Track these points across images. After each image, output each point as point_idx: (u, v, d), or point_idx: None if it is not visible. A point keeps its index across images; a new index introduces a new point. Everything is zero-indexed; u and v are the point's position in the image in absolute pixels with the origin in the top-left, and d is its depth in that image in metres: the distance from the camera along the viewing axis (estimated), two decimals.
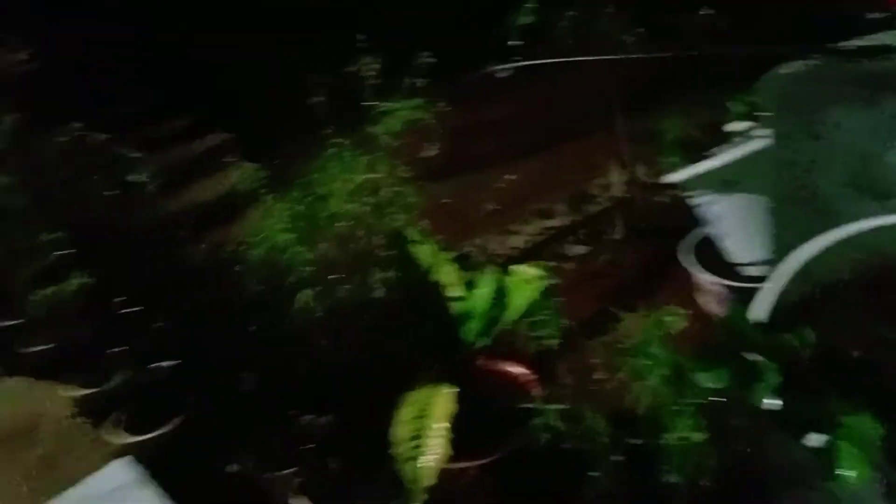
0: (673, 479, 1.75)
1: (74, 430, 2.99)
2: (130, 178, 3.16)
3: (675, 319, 1.85)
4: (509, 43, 2.93)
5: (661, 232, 3.20)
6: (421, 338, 2.38)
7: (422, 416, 2.02)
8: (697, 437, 1.66)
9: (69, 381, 2.93)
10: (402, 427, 2.00)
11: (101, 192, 2.70)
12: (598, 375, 2.19)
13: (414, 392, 2.10)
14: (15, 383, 3.42)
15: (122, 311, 2.63)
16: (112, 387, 2.67)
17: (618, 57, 2.84)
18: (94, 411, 2.81)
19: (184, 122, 5.13)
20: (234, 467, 2.61)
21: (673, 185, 2.80)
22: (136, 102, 4.85)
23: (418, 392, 2.10)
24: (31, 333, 3.11)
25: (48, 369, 3.15)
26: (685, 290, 2.79)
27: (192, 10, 5.11)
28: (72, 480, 2.41)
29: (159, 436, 2.52)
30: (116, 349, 2.70)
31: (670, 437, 1.73)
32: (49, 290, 2.42)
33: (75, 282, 2.41)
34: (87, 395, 2.82)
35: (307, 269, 2.66)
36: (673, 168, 2.71)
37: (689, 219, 2.85)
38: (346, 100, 2.62)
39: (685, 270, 2.85)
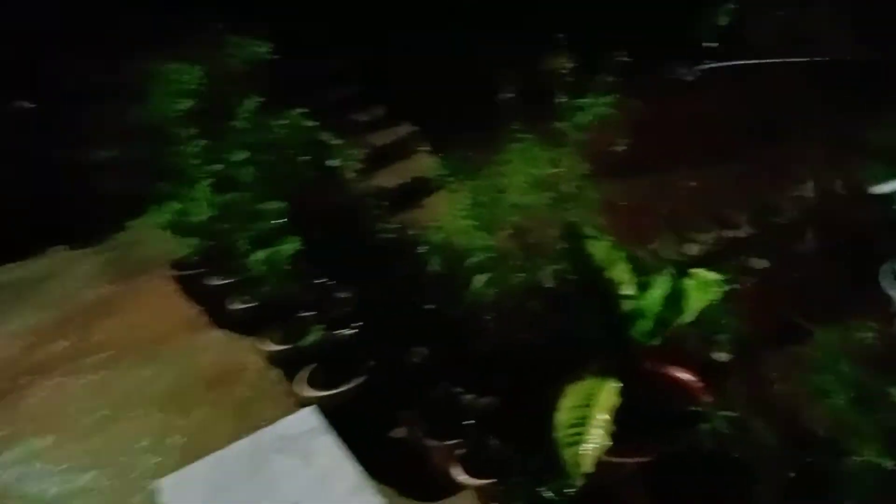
0: None
1: (268, 379, 3.32)
2: (329, 162, 3.43)
3: (868, 337, 1.70)
4: (704, 44, 2.82)
5: (857, 249, 2.92)
6: (589, 331, 2.38)
7: (585, 405, 2.03)
8: (887, 463, 1.52)
9: (267, 337, 3.25)
10: (565, 413, 2.03)
11: (311, 170, 2.97)
12: (774, 388, 2.07)
13: (579, 382, 2.11)
14: (221, 335, 3.86)
15: (319, 278, 2.87)
16: (304, 345, 2.92)
17: (823, 59, 2.63)
18: (287, 365, 3.10)
19: (379, 112, 5.46)
20: (402, 431, 2.77)
21: (878, 198, 2.55)
22: (342, 93, 5.24)
23: (583, 382, 2.11)
24: (240, 292, 3.50)
25: (250, 325, 3.51)
26: (879, 312, 2.54)
27: (392, 6, 5.38)
28: (265, 421, 2.68)
29: (341, 392, 2.73)
30: (310, 312, 2.95)
31: (853, 461, 1.60)
32: (264, 254, 2.69)
33: (288, 247, 2.66)
34: (282, 350, 3.11)
35: (484, 254, 2.74)
36: (880, 180, 2.46)
37: (892, 236, 2.59)
38: (535, 95, 2.66)
39: (881, 291, 2.59)
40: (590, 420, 1.97)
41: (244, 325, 3.54)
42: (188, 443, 3.10)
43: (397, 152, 4.88)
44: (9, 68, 5.31)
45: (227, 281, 3.54)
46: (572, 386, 2.10)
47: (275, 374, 3.24)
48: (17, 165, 5.51)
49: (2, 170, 5.51)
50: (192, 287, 3.99)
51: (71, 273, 4.97)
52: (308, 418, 2.20)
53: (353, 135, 4.40)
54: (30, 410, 3.52)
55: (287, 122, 2.91)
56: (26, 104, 5.47)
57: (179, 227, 3.29)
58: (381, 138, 5.00)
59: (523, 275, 2.68)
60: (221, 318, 3.72)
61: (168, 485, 2.13)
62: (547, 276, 2.64)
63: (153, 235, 5.00)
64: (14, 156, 5.49)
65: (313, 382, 2.86)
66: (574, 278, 2.51)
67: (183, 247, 3.96)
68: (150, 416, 3.35)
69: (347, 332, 2.87)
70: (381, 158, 4.62)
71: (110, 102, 3.90)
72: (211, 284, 3.71)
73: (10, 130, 5.59)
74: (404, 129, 5.22)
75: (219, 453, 2.21)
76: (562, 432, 1.97)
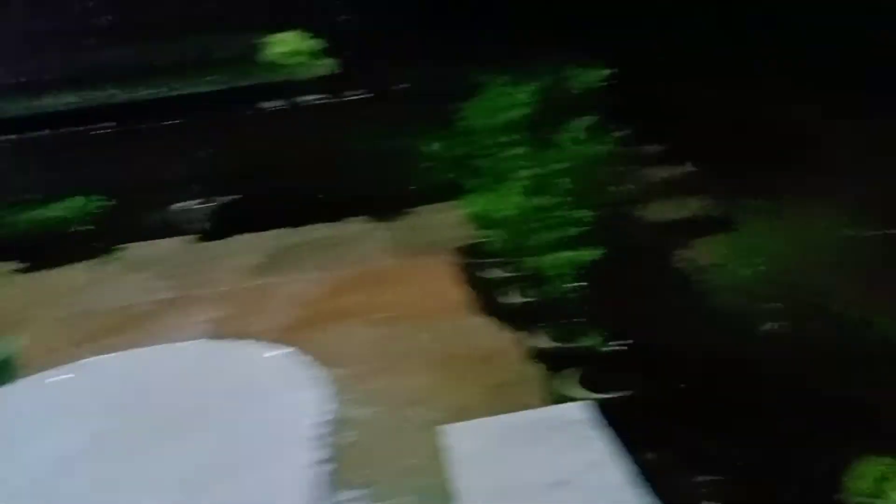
0: None
1: (529, 371, 3.50)
2: (624, 187, 3.54)
3: None
4: None
5: None
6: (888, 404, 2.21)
7: (885, 478, 1.90)
8: None
9: (537, 333, 3.43)
10: (861, 482, 1.91)
11: (612, 191, 3.11)
12: None
13: (883, 454, 1.98)
14: (490, 322, 4.13)
15: (600, 289, 2.99)
16: (574, 347, 3.05)
17: None
18: (551, 362, 3.25)
19: (664, 148, 5.45)
20: (654, 455, 2.78)
21: None
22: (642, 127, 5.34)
23: (889, 456, 1.97)
24: (518, 287, 3.75)
25: (520, 319, 3.74)
26: None
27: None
28: (516, 408, 2.84)
29: (603, 399, 2.81)
30: (584, 318, 3.08)
31: None
32: (562, 256, 2.88)
33: (587, 254, 2.82)
34: (550, 348, 3.27)
35: (773, 303, 2.66)
36: None
37: None
38: (854, 152, 2.53)
39: None
40: (887, 497, 1.84)
41: (514, 318, 3.77)
42: (452, 405, 3.38)
43: (678, 189, 4.84)
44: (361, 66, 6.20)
45: (507, 275, 3.81)
46: (872, 456, 1.97)
47: (537, 368, 3.41)
48: (341, 148, 6.45)
49: (327, 151, 6.49)
50: (471, 274, 4.35)
51: (369, 240, 5.67)
52: (585, 410, 2.32)
53: (642, 166, 4.46)
54: (327, 344, 4.09)
55: (604, 144, 3.08)
56: (362, 94, 6.36)
57: (481, 219, 3.61)
58: (664, 173, 4.99)
59: (816, 330, 2.55)
60: (493, 308, 3.99)
61: (451, 431, 2.39)
62: (843, 337, 2.49)
63: (442, 221, 5.52)
64: (340, 141, 6.42)
65: (576, 384, 2.98)
66: (876, 346, 2.34)
67: (471, 236, 4.33)
68: (420, 377, 3.69)
69: (619, 345, 2.95)
70: (662, 193, 4.62)
71: (439, 103, 4.37)
72: (490, 275, 4.02)
73: (338, 119, 6.54)
74: (686, 168, 5.17)
75: (498, 417, 2.43)
76: (857, 499, 1.87)
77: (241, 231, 6.20)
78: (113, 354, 2.23)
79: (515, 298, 3.75)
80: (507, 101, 3.46)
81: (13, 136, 6.41)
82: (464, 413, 3.03)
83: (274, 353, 2.13)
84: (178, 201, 6.44)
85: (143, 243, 6.30)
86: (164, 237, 6.32)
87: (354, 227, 6.06)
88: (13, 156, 6.39)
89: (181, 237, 6.37)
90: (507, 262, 3.73)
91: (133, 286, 5.39)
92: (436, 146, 3.87)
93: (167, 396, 1.90)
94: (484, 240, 3.97)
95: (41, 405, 1.95)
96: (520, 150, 3.33)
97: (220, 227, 6.31)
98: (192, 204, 6.45)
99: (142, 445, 1.71)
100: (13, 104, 6.56)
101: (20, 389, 2.09)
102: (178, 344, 2.65)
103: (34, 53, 6.86)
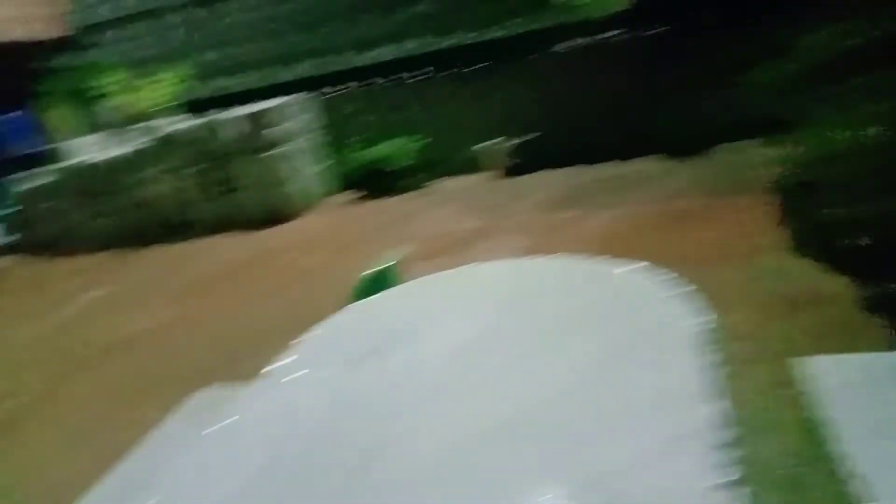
0: None
1: (864, 316, 3.20)
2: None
3: None
4: None
5: None
6: None
7: None
8: None
9: (884, 278, 3.13)
10: None
11: None
12: None
13: None
14: (815, 265, 3.78)
15: None
16: None
17: None
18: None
19: None
20: None
21: None
22: None
23: None
24: (858, 228, 3.45)
25: (855, 262, 3.44)
26: None
27: None
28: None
29: None
30: None
31: None
32: None
33: None
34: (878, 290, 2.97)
35: None
36: None
37: None
38: None
39: None
40: None
41: (850, 261, 3.48)
42: (781, 346, 3.24)
43: None
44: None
45: (842, 214, 3.52)
46: None
47: (879, 313, 3.13)
48: (636, 85, 6.35)
49: (623, 88, 6.43)
50: (795, 214, 4.08)
51: (668, 178, 5.57)
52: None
53: None
54: None
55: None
56: (659, 28, 6.16)
57: (808, 156, 3.36)
58: None
59: None
60: (822, 250, 3.71)
61: (810, 363, 2.33)
62: None
63: (747, 159, 5.20)
64: (636, 78, 6.32)
65: None
66: None
67: (790, 174, 4.04)
68: (743, 315, 3.51)
69: None
70: None
71: (747, 35, 4.07)
72: (820, 216, 3.75)
73: (633, 55, 6.42)
74: None
75: (864, 354, 2.33)
76: None
77: (539, 168, 6.50)
78: (484, 263, 2.52)
79: (854, 240, 3.46)
80: (852, 27, 3.11)
81: (352, 84, 7.42)
82: (795, 353, 2.92)
83: (636, 267, 2.24)
84: (484, 140, 6.93)
85: (453, 178, 6.95)
86: (470, 173, 6.90)
87: (650, 165, 5.98)
88: (351, 102, 7.40)
89: (486, 173, 6.89)
90: (842, 200, 3.44)
91: (448, 216, 6.00)
92: (750, 79, 3.63)
93: (544, 302, 2.12)
94: (812, 178, 3.69)
95: (432, 301, 2.26)
96: (863, 80, 2.99)
97: (520, 163, 6.68)
98: (496, 142, 6.91)
99: (528, 343, 1.90)
100: (353, 57, 7.56)
101: (413, 286, 2.44)
102: (540, 258, 2.92)
103: (361, 12, 7.78)
